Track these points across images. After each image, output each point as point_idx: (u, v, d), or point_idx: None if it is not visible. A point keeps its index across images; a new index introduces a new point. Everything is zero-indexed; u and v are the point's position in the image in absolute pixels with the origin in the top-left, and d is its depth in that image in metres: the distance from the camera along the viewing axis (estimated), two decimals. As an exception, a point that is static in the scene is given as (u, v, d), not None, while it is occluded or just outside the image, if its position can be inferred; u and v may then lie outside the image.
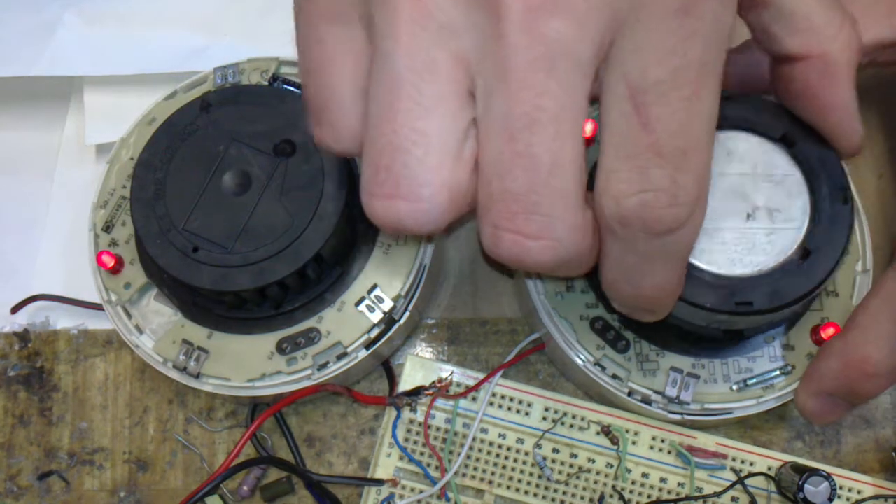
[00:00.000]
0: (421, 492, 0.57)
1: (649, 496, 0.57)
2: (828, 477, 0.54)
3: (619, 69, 0.37)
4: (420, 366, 0.60)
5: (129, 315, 0.57)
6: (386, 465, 0.58)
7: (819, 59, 0.46)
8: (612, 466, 0.58)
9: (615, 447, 0.58)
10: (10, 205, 0.67)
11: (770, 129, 0.50)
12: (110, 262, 0.56)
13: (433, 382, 0.59)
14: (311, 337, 0.55)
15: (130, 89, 0.66)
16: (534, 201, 0.37)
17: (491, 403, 0.59)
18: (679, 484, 0.57)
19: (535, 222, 0.38)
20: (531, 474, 0.58)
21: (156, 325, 0.57)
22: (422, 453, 0.58)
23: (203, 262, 0.52)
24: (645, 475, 0.58)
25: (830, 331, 0.55)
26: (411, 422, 0.59)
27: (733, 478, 0.57)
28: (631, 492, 0.57)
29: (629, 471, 0.58)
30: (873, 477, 0.58)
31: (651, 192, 0.38)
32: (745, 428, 0.61)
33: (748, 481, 0.57)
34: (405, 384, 0.59)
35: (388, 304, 0.55)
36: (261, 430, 0.61)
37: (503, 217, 0.38)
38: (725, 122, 0.50)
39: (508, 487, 0.58)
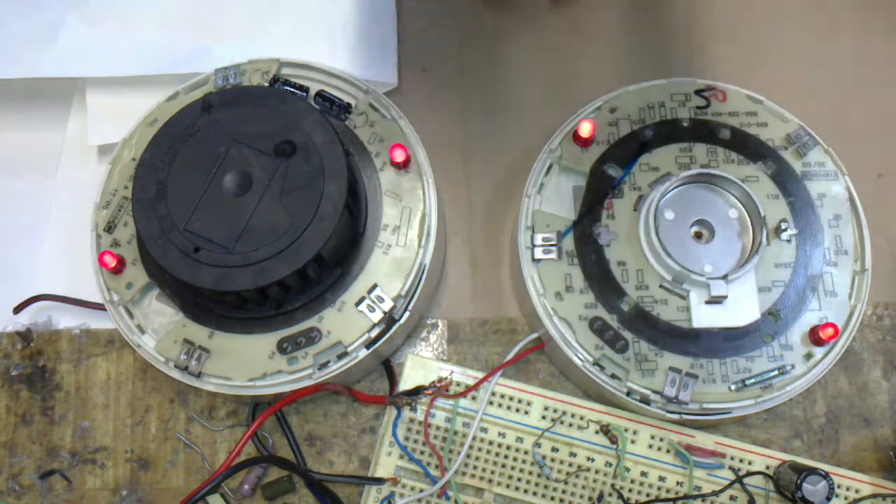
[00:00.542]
0: (421, 490, 0.58)
1: (648, 495, 0.58)
2: (826, 476, 0.54)
3: None
4: (420, 365, 0.60)
5: (130, 315, 0.57)
6: (386, 463, 0.58)
7: None
8: (611, 465, 0.58)
9: (614, 446, 0.58)
10: (12, 205, 0.67)
11: None
12: (112, 263, 0.56)
13: (433, 382, 0.59)
14: (311, 336, 0.55)
15: (132, 90, 0.66)
16: None
17: (490, 403, 0.59)
18: (678, 483, 0.58)
19: None
20: (531, 473, 0.58)
21: (157, 325, 0.57)
22: (422, 452, 0.58)
23: (204, 263, 0.52)
24: (644, 474, 0.58)
25: (829, 331, 0.55)
26: (411, 421, 0.59)
27: (732, 477, 0.57)
28: (630, 490, 0.58)
29: (628, 469, 0.58)
30: (871, 476, 0.58)
31: None
32: (744, 427, 0.61)
33: (747, 480, 0.57)
34: (405, 383, 0.60)
35: (388, 304, 0.56)
36: (262, 429, 0.61)
37: None
38: None
39: (508, 486, 0.58)
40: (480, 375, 0.59)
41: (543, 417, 0.59)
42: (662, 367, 0.55)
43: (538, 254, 0.57)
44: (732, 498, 0.58)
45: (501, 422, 0.59)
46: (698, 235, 0.58)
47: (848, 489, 0.58)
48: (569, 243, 0.58)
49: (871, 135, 0.68)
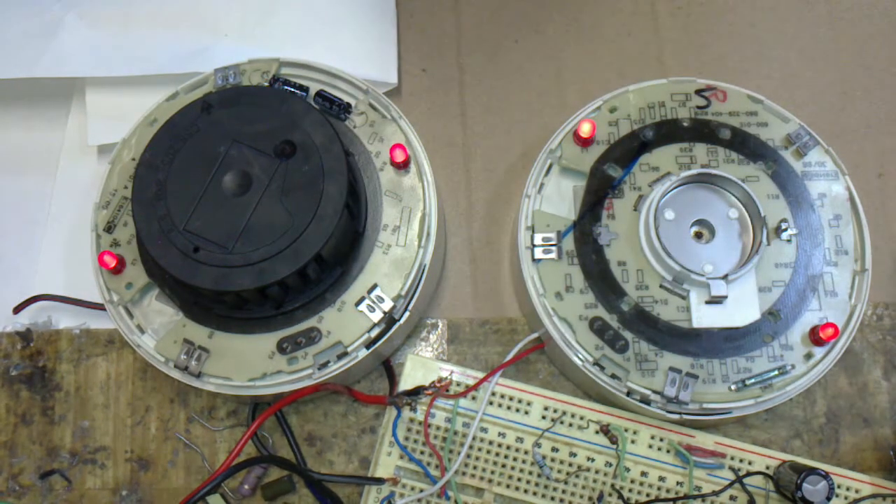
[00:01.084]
0: (421, 490, 0.58)
1: (648, 495, 0.58)
2: (826, 476, 0.54)
3: None
4: (420, 365, 0.60)
5: (130, 315, 0.57)
6: (386, 463, 0.58)
7: None
8: (611, 465, 0.58)
9: (614, 446, 0.58)
10: (12, 205, 0.67)
11: None
12: (112, 263, 0.56)
13: (433, 382, 0.59)
14: (311, 336, 0.55)
15: (132, 90, 0.66)
16: None
17: (491, 403, 0.59)
18: (678, 483, 0.58)
19: None
20: (531, 473, 0.58)
21: (157, 325, 0.57)
22: (422, 452, 0.58)
23: (204, 263, 0.52)
24: (644, 474, 0.58)
25: (829, 331, 0.55)
26: (411, 421, 0.59)
27: (732, 477, 0.57)
28: (630, 490, 0.58)
29: (628, 469, 0.58)
30: (871, 476, 0.58)
31: None
32: (744, 427, 0.61)
33: (747, 480, 0.57)
34: (405, 383, 0.60)
35: (388, 304, 0.56)
36: (262, 429, 0.61)
37: None
38: None
39: (508, 486, 0.58)
40: (480, 375, 0.59)
41: (543, 417, 0.59)
42: (662, 367, 0.55)
43: (538, 254, 0.57)
44: (732, 498, 0.58)
45: (501, 422, 0.59)
46: (698, 235, 0.58)
47: (848, 489, 0.58)
48: (569, 243, 0.57)
49: (871, 135, 0.68)
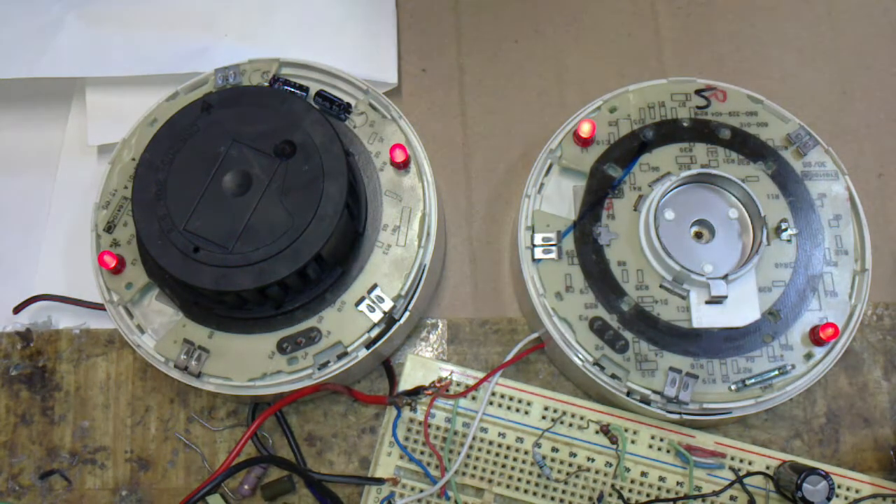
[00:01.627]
0: (421, 490, 0.58)
1: (648, 495, 0.58)
2: (826, 476, 0.54)
3: None
4: (420, 365, 0.60)
5: (130, 315, 0.57)
6: (386, 463, 0.58)
7: None
8: (611, 465, 0.58)
9: (614, 446, 0.58)
10: (12, 205, 0.67)
11: None
12: (112, 263, 0.56)
13: (433, 382, 0.59)
14: (311, 336, 0.55)
15: (132, 90, 0.66)
16: None
17: (491, 403, 0.59)
18: (678, 483, 0.58)
19: None
20: (531, 473, 0.58)
21: (157, 325, 0.57)
22: (422, 452, 0.58)
23: (204, 263, 0.52)
24: (644, 474, 0.58)
25: (829, 331, 0.55)
26: (411, 421, 0.59)
27: (732, 477, 0.57)
28: (630, 490, 0.58)
29: (628, 470, 0.58)
30: (871, 476, 0.58)
31: None
32: (744, 427, 0.61)
33: (747, 480, 0.57)
34: (405, 383, 0.60)
35: (388, 304, 0.56)
36: (262, 429, 0.61)
37: None
38: None
39: (508, 486, 0.58)
40: (480, 375, 0.59)
41: (543, 417, 0.59)
42: (662, 367, 0.55)
43: (538, 254, 0.57)
44: (732, 498, 0.58)
45: (501, 422, 0.59)
46: (698, 235, 0.58)
47: (848, 489, 0.58)
48: (569, 243, 0.57)
49: (871, 135, 0.68)
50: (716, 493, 0.57)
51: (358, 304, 0.56)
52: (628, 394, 0.55)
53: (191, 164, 0.54)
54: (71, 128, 0.68)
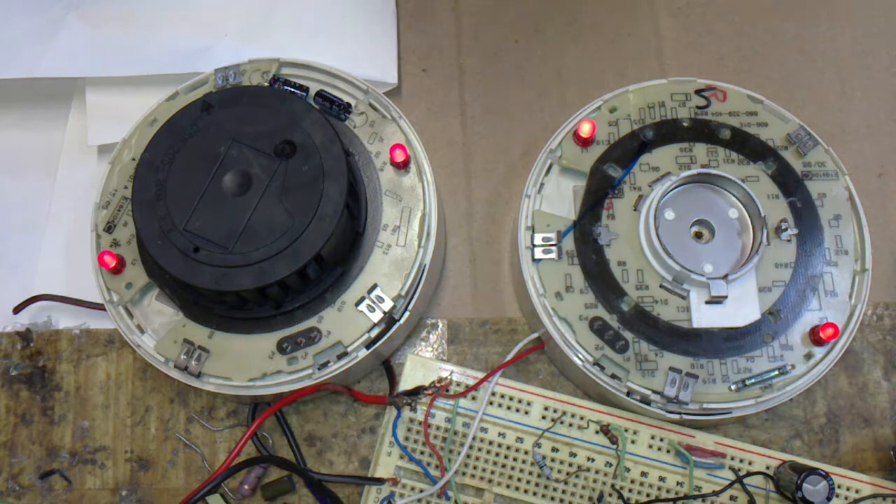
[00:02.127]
0: (421, 491, 0.58)
1: (648, 495, 0.58)
2: (826, 476, 0.54)
3: None
4: (420, 365, 0.60)
5: (130, 315, 0.57)
6: (386, 464, 0.58)
7: None
8: (611, 465, 0.58)
9: (614, 446, 0.58)
10: (12, 205, 0.67)
11: None
12: (112, 263, 0.56)
13: (433, 382, 0.59)
14: (311, 336, 0.55)
15: (132, 90, 0.66)
16: None
17: (491, 403, 0.59)
18: (678, 483, 0.58)
19: None
20: (531, 473, 0.58)
21: (157, 325, 0.57)
22: (422, 452, 0.58)
23: (204, 263, 0.52)
24: (644, 474, 0.58)
25: (829, 331, 0.55)
26: (411, 421, 0.59)
27: (732, 477, 0.57)
28: (630, 490, 0.58)
29: (628, 470, 0.58)
30: (871, 476, 0.58)
31: None
32: (744, 427, 0.61)
33: (747, 480, 0.57)
34: (405, 383, 0.60)
35: (388, 304, 0.56)
36: (262, 429, 0.61)
37: None
38: None
39: (508, 486, 0.58)
40: (480, 375, 0.59)
41: (543, 417, 0.59)
42: (662, 367, 0.55)
43: (538, 254, 0.57)
44: (732, 498, 0.58)
45: (501, 422, 0.59)
46: (698, 235, 0.58)
47: (848, 489, 0.58)
48: (569, 243, 0.57)
49: (871, 135, 0.68)
50: (716, 493, 0.57)
51: (358, 304, 0.56)
52: (628, 394, 0.55)
53: (191, 164, 0.54)
54: (71, 128, 0.68)
